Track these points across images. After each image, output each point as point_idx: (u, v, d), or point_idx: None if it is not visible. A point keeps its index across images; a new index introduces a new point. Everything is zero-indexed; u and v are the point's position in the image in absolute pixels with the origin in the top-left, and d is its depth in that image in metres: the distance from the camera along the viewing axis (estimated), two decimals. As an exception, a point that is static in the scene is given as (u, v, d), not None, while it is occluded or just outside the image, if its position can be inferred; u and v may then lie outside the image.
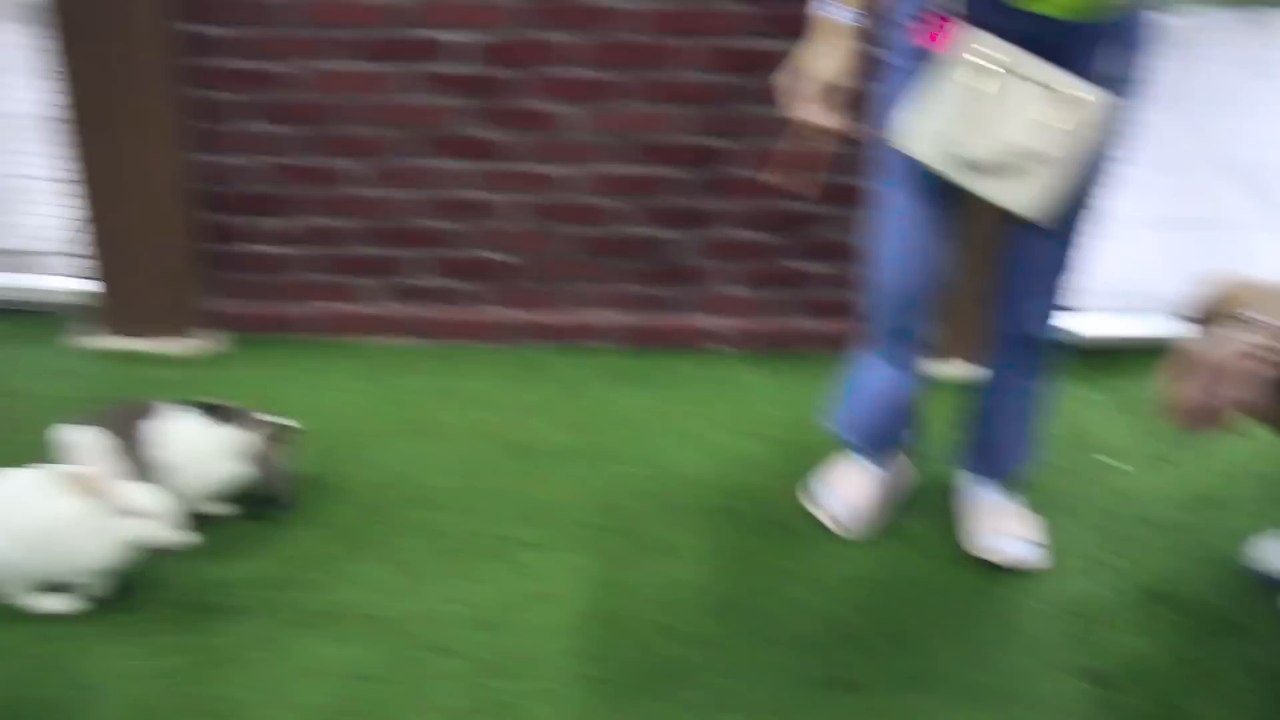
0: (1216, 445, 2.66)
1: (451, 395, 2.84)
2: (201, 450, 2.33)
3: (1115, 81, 1.95)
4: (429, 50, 2.76)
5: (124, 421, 2.31)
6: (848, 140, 2.07)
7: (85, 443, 2.25)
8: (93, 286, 2.98)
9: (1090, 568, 2.35)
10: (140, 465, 2.27)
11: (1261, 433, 2.28)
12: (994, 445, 2.40)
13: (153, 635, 2.13)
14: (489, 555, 2.35)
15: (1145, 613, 2.24)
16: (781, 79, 2.02)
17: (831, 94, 1.98)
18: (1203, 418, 1.88)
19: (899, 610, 2.24)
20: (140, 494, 2.12)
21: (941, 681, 2.08)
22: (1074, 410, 2.80)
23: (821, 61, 1.97)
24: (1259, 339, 1.87)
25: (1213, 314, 2.06)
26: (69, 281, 3.05)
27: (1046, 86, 1.91)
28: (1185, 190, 3.72)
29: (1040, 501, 2.49)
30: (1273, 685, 2.08)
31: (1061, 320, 2.25)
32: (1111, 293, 2.96)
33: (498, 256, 3.01)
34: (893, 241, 2.19)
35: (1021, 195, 1.98)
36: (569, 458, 2.63)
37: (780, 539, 2.42)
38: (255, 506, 2.41)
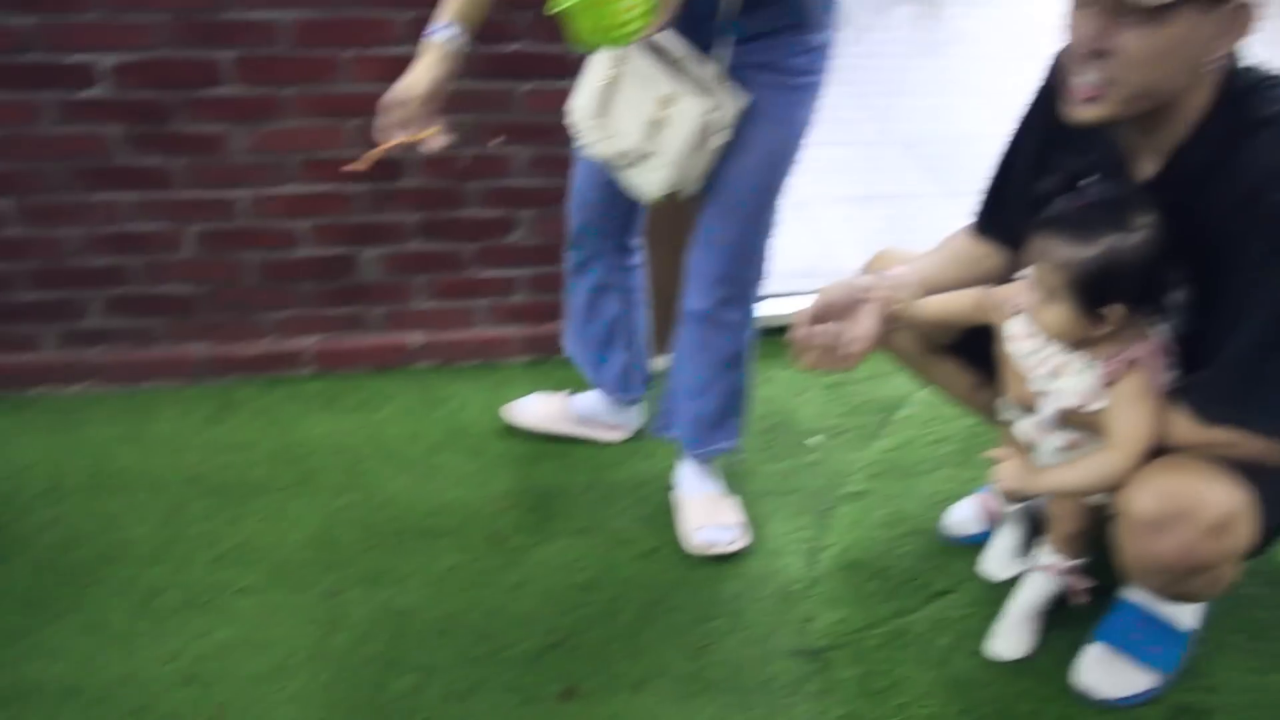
0: (905, 417, 2.83)
1: (142, 441, 2.70)
2: None
3: (774, 68, 2.05)
4: (76, 75, 2.61)
5: None
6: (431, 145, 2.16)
7: None
8: None
9: (800, 548, 2.44)
10: None
11: (943, 406, 2.43)
12: (690, 432, 2.46)
13: None
14: (197, 606, 2.25)
15: (853, 586, 2.33)
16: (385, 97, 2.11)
17: (414, 109, 2.10)
18: (828, 355, 1.98)
19: (624, 614, 2.26)
20: None
21: (663, 679, 2.11)
22: (774, 393, 2.92)
23: (413, 77, 2.09)
24: (874, 282, 2.00)
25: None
26: None
27: (665, 82, 2.05)
28: (866, 167, 3.91)
29: (748, 487, 2.57)
30: (973, 643, 2.19)
31: (752, 305, 2.32)
32: (804, 272, 3.07)
33: (175, 290, 2.88)
34: (575, 192, 2.43)
35: (646, 182, 2.15)
36: (275, 493, 2.55)
37: (502, 554, 2.41)
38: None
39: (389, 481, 2.60)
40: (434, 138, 2.12)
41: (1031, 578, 2.18)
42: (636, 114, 2.09)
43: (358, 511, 2.50)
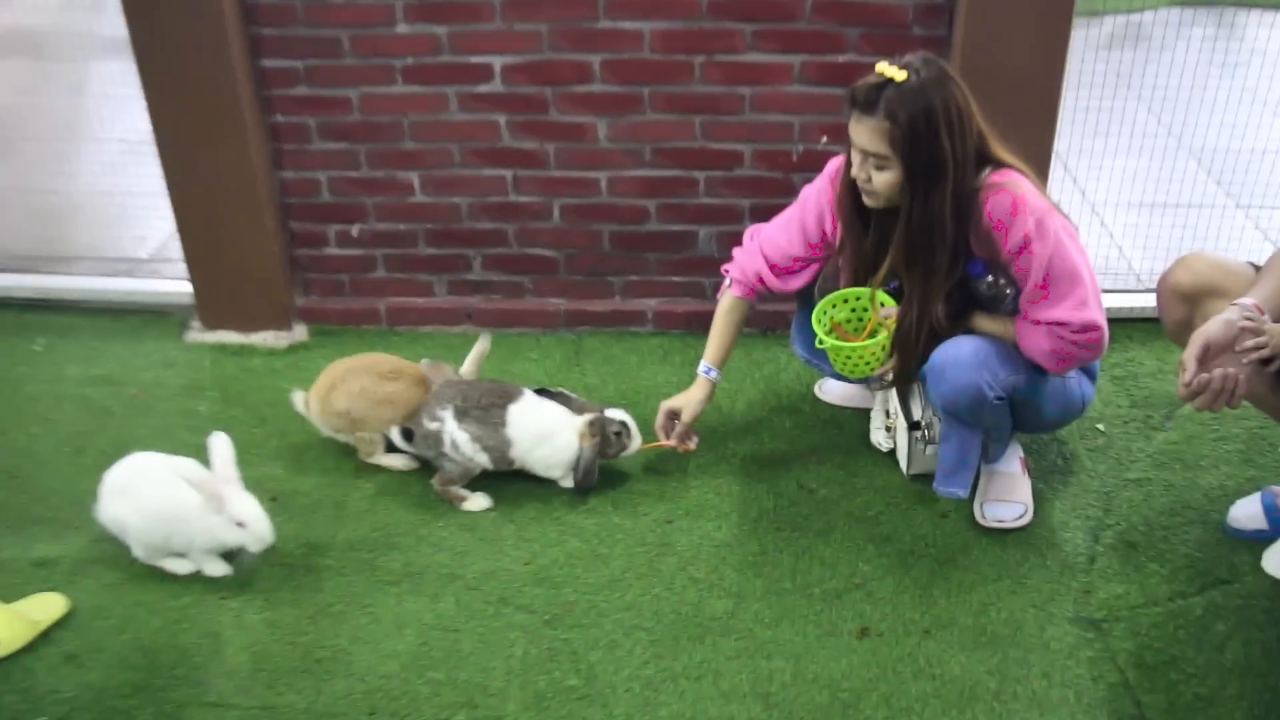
0: (1189, 413, 2.67)
1: (509, 376, 2.80)
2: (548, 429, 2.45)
3: None
4: (470, 73, 2.80)
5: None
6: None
7: (217, 448, 2.21)
8: (198, 288, 3.07)
9: (1082, 525, 2.37)
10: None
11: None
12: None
13: (267, 592, 2.20)
14: (551, 520, 2.39)
15: (1132, 565, 2.24)
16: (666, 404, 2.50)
17: (686, 424, 2.48)
18: (1217, 398, 1.87)
19: (917, 567, 2.26)
20: (247, 506, 2.17)
21: (950, 629, 2.11)
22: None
23: (687, 401, 2.48)
24: (1248, 323, 1.87)
25: (1194, 292, 2.08)
26: (178, 284, 3.15)
27: None
28: (1159, 176, 3.71)
29: (1038, 465, 2.51)
30: (1251, 633, 2.07)
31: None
32: (1099, 270, 2.96)
33: (542, 252, 3.04)
34: None
35: None
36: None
37: (811, 502, 2.44)
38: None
39: (712, 430, 2.66)
40: (690, 445, 2.51)
41: None
42: None
43: (685, 455, 2.57)
